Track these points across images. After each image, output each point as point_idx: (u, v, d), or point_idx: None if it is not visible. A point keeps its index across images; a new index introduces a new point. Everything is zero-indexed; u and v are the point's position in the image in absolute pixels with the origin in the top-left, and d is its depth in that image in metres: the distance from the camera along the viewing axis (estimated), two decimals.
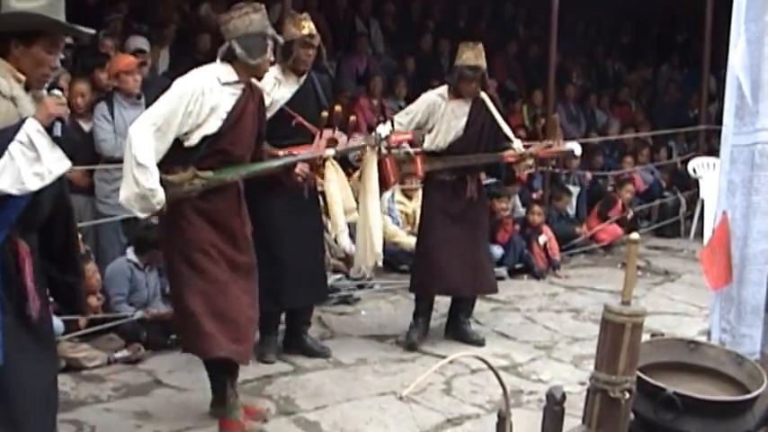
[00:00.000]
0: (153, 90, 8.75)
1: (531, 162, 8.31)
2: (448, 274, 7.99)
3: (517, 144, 8.17)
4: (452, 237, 7.99)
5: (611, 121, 15.70)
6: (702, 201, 13.06)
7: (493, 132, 8.07)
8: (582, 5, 15.22)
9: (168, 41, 10.90)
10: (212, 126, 5.91)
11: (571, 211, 12.44)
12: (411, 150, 8.00)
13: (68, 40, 9.22)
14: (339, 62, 13.32)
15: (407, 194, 10.80)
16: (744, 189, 5.59)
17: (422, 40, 14.58)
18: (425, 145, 8.07)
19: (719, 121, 5.78)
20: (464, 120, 7.97)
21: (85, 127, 8.41)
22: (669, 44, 18.87)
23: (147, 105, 8.28)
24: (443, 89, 8.08)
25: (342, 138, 7.00)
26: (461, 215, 8.05)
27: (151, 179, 5.66)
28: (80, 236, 7.74)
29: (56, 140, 4.20)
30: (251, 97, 6.14)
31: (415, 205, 10.78)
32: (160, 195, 5.70)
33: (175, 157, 5.86)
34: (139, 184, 5.64)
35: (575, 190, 12.62)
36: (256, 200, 6.77)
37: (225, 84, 5.98)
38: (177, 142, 5.86)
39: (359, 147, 7.18)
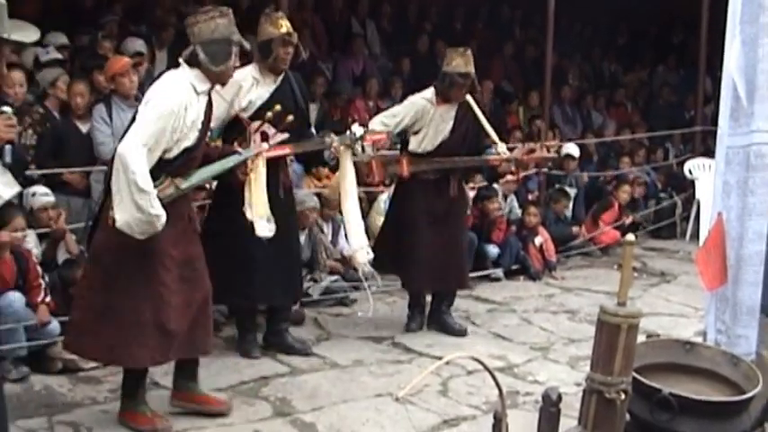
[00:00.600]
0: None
1: (513, 167, 8.50)
2: (431, 272, 8.17)
3: (501, 147, 8.27)
4: (435, 234, 8.13)
5: (607, 123, 15.72)
6: (698, 202, 13.07)
7: (476, 134, 8.24)
8: (578, 7, 15.23)
9: (166, 43, 10.91)
10: (192, 138, 5.83)
11: (569, 213, 12.43)
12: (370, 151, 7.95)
13: (63, 40, 9.28)
14: (335, 63, 13.32)
15: None
16: (739, 190, 5.60)
17: (418, 41, 14.58)
18: (411, 147, 8.15)
19: (715, 123, 5.79)
20: (450, 123, 8.10)
21: (83, 128, 8.41)
22: (665, 45, 18.89)
23: None
24: (430, 93, 8.14)
25: (270, 131, 7.00)
26: (443, 213, 8.19)
27: (156, 204, 5.53)
28: (74, 237, 7.81)
29: (5, 165, 4.09)
30: (210, 102, 6.07)
31: None
32: (163, 219, 5.58)
33: (153, 168, 5.67)
34: (143, 211, 5.48)
35: (572, 192, 12.62)
36: (228, 198, 6.78)
37: (200, 93, 5.88)
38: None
39: (284, 140, 7.11)
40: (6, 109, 4.14)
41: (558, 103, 14.65)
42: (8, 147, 4.07)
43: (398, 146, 8.48)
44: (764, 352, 5.66)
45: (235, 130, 7.12)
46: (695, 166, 13.75)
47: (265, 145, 6.82)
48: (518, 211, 11.54)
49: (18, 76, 8.20)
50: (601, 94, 16.42)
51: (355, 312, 9.05)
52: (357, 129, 7.33)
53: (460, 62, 7.98)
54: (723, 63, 5.63)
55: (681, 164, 14.32)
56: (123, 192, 5.49)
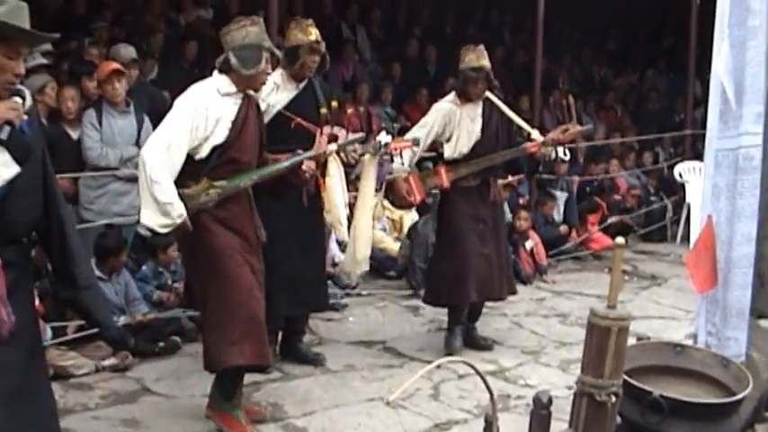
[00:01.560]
0: (142, 97, 8.76)
1: (551, 149, 8.17)
2: (482, 281, 8.00)
3: (535, 134, 8.17)
4: (483, 242, 8.02)
5: (598, 126, 15.73)
6: (689, 205, 13.10)
7: (507, 129, 8.17)
8: (568, 11, 15.26)
9: (156, 50, 10.91)
10: (220, 136, 6.04)
11: (558, 216, 12.45)
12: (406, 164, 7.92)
13: (48, 46, 9.27)
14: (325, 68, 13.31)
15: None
16: (728, 193, 5.62)
17: (408, 46, 14.59)
18: (446, 154, 8.01)
19: (705, 126, 5.81)
20: (479, 122, 8.00)
21: (73, 135, 8.40)
22: (655, 49, 18.92)
23: (137, 113, 8.33)
24: (452, 96, 8.07)
25: (341, 132, 7.01)
26: (489, 219, 8.09)
27: (168, 193, 5.80)
28: None
29: (2, 144, 4.15)
30: (250, 106, 6.28)
31: (401, 211, 10.80)
32: (180, 208, 5.82)
33: (188, 171, 5.99)
34: (158, 201, 5.78)
35: (561, 195, 12.63)
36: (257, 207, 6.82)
37: (225, 95, 6.11)
38: (188, 157, 5.99)
39: (359, 138, 7.16)
40: (17, 99, 4.22)
41: (548, 107, 14.65)
42: (7, 126, 4.14)
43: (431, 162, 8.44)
44: (754, 354, 5.69)
45: (284, 131, 7.07)
46: (685, 170, 13.78)
47: (333, 146, 6.80)
48: (508, 216, 11.54)
49: None
50: (591, 98, 16.42)
51: (346, 317, 9.05)
52: (384, 136, 7.34)
53: (472, 57, 7.94)
54: (712, 66, 5.66)
55: (671, 167, 14.35)
56: (143, 188, 5.87)
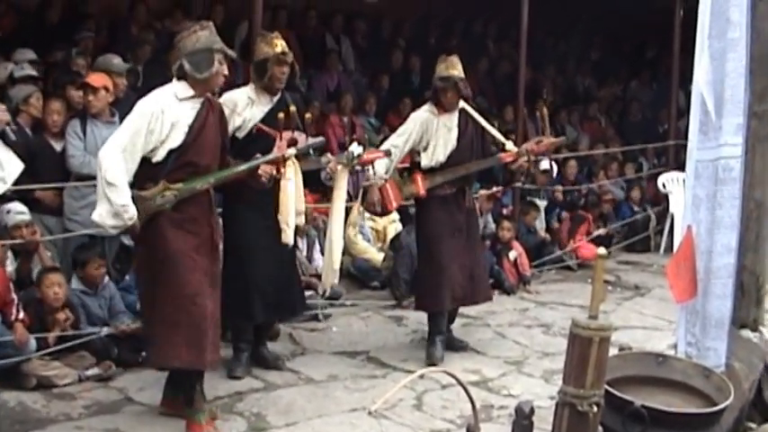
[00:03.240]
0: (126, 106, 8.74)
1: (525, 159, 8.23)
2: (458, 287, 8.09)
3: (509, 145, 8.27)
4: (459, 249, 8.09)
5: (581, 137, 15.77)
6: (672, 215, 13.14)
7: (482, 139, 8.25)
8: (552, 22, 15.30)
9: (142, 60, 10.90)
10: (176, 140, 6.16)
11: (540, 223, 12.47)
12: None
13: (32, 56, 9.23)
14: (310, 79, 13.30)
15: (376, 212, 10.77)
16: (708, 204, 5.66)
17: (392, 57, 14.61)
18: (424, 163, 8.07)
19: (688, 137, 5.84)
20: (455, 131, 8.08)
21: (57, 146, 8.35)
22: (639, 61, 18.97)
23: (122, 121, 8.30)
24: (429, 106, 8.14)
25: (301, 137, 7.01)
26: (465, 227, 8.17)
27: (122, 196, 5.95)
28: (49, 254, 7.80)
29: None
30: (210, 110, 6.39)
31: (385, 221, 10.81)
32: (132, 211, 5.99)
33: (146, 173, 6.12)
34: (112, 202, 5.94)
35: (542, 204, 12.67)
36: (229, 214, 6.89)
37: (182, 99, 6.23)
38: (146, 160, 6.11)
39: (318, 142, 7.16)
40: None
41: (532, 117, 14.67)
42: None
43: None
44: (736, 364, 5.72)
45: (259, 143, 7.05)
46: (668, 180, 13.83)
47: (291, 150, 6.79)
48: (492, 226, 11.57)
49: None
50: (575, 109, 16.44)
51: (330, 327, 9.04)
52: (356, 147, 7.34)
53: (442, 67, 8.04)
54: (693, 78, 5.69)
55: (654, 177, 14.40)
56: (99, 189, 6.02)
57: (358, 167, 7.63)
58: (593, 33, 18.36)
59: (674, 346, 6.10)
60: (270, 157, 6.73)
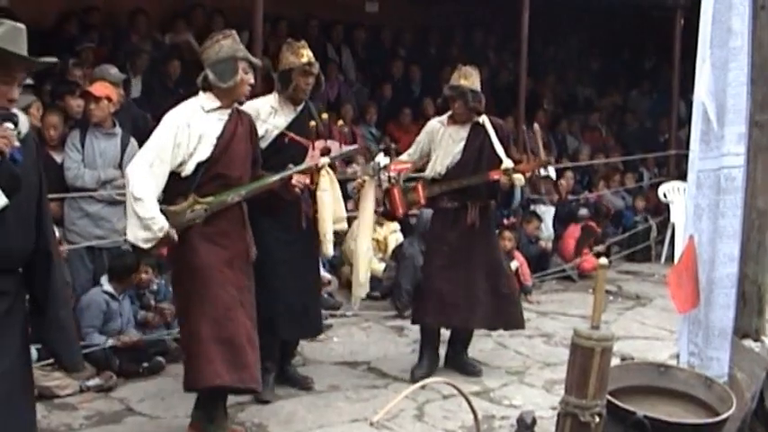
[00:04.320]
0: (126, 116, 8.73)
1: (513, 177, 7.88)
2: (448, 306, 7.83)
3: (506, 163, 7.84)
4: (451, 265, 7.86)
5: (582, 147, 15.77)
6: (673, 225, 13.13)
7: (490, 158, 7.88)
8: (551, 31, 15.31)
9: (140, 70, 10.91)
10: (204, 153, 6.10)
11: (546, 231, 12.44)
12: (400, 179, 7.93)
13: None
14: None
15: (378, 221, 10.75)
16: (710, 213, 5.65)
17: (393, 66, 14.62)
18: (426, 172, 8.03)
19: (689, 146, 5.83)
20: (461, 145, 7.88)
21: (57, 159, 8.33)
22: (639, 70, 18.99)
23: (122, 134, 8.29)
24: (444, 116, 8.03)
25: (334, 145, 6.95)
26: (461, 243, 7.88)
27: (148, 209, 5.89)
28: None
29: None
30: (239, 121, 6.32)
31: (386, 231, 10.81)
32: (160, 222, 5.90)
33: (176, 188, 6.08)
34: (139, 216, 5.87)
35: (547, 210, 12.64)
36: (253, 230, 6.78)
37: (209, 111, 6.17)
38: (175, 174, 6.05)
39: (353, 150, 7.15)
40: (9, 125, 4.13)
41: (532, 127, 14.67)
42: None
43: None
44: (738, 374, 5.69)
45: (287, 152, 6.98)
46: (669, 190, 13.83)
47: (325, 159, 6.76)
48: None
49: None
50: (575, 119, 16.45)
51: (331, 338, 9.03)
52: (382, 158, 7.30)
53: (455, 76, 7.86)
54: (695, 87, 5.68)
55: (655, 187, 14.40)
56: (128, 206, 5.97)
57: (386, 180, 7.55)
58: (593, 43, 18.37)
59: (677, 356, 6.08)
60: (303, 166, 6.69)
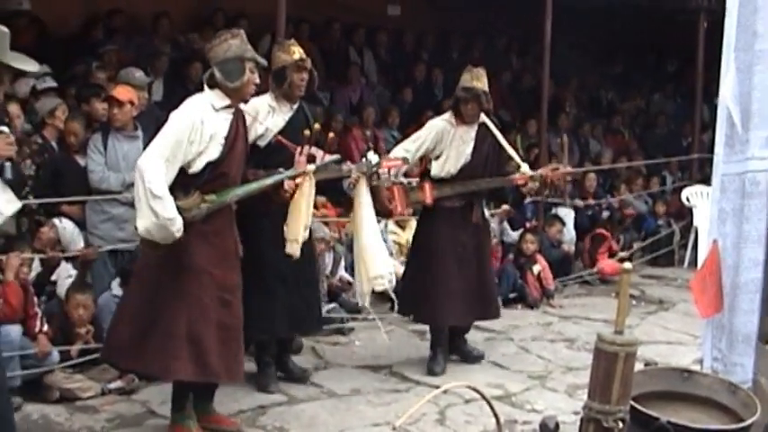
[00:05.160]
0: (147, 119, 8.75)
1: (537, 184, 8.18)
2: (460, 303, 8.02)
3: (524, 167, 8.12)
4: (463, 264, 8.02)
5: (605, 150, 15.71)
6: (696, 229, 13.08)
7: (497, 156, 8.11)
8: (574, 35, 15.27)
9: (161, 72, 10.94)
10: (214, 152, 6.14)
11: (569, 234, 12.41)
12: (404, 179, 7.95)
13: (46, 69, 9.23)
14: (332, 92, 13.33)
15: (400, 224, 10.75)
16: (735, 217, 5.60)
17: (415, 69, 14.61)
18: (434, 172, 8.03)
19: (713, 150, 5.79)
20: (471, 144, 7.99)
21: (81, 162, 8.34)
22: (662, 74, 18.93)
23: (145, 137, 8.31)
24: (448, 115, 8.07)
25: (318, 153, 6.99)
26: (469, 241, 8.06)
27: (169, 208, 5.86)
28: (69, 265, 7.81)
29: (6, 182, 4.10)
30: (240, 120, 6.39)
31: (408, 235, 10.77)
32: (179, 223, 5.90)
33: (179, 182, 6.05)
34: (158, 216, 5.82)
35: (569, 212, 12.61)
36: (250, 229, 6.83)
37: (219, 109, 6.20)
38: (181, 169, 6.05)
39: (334, 160, 7.14)
40: (4, 129, 4.17)
41: (555, 131, 14.65)
42: (8, 164, 4.11)
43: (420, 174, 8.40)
44: (762, 379, 5.66)
45: (278, 154, 7.04)
46: (693, 194, 13.77)
47: (311, 166, 6.78)
48: (513, 236, 11.55)
49: (15, 108, 8.27)
50: (598, 122, 16.41)
51: (353, 341, 9.03)
52: (372, 156, 7.32)
53: (467, 77, 7.93)
54: (719, 91, 5.65)
55: (678, 191, 14.35)
56: (141, 200, 5.87)
57: (375, 175, 7.56)
58: (615, 47, 18.32)
59: (700, 362, 6.04)
60: (293, 172, 6.72)
